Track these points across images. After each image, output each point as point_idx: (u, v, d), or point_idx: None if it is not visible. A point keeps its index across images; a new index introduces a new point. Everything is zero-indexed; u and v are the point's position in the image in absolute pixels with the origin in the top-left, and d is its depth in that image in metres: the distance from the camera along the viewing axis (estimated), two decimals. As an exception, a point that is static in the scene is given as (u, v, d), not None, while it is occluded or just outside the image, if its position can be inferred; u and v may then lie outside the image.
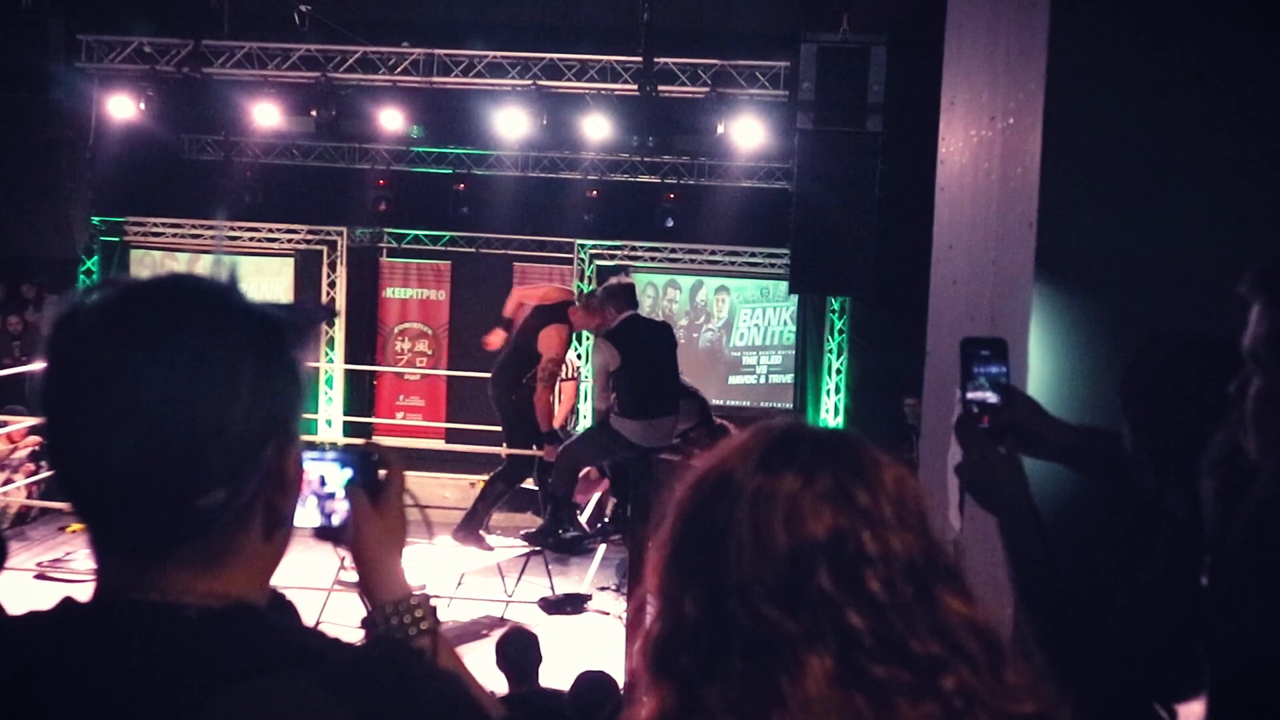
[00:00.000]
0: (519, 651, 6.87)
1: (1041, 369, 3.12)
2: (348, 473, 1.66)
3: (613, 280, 10.25)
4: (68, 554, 10.34)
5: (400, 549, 1.66)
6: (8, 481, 11.44)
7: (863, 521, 1.30)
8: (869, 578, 1.28)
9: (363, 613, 1.65)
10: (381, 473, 1.67)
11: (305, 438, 1.38)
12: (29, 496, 11.69)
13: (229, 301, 1.29)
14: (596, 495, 11.35)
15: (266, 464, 1.29)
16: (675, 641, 1.32)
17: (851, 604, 1.27)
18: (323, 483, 1.65)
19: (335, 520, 1.66)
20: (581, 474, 10.27)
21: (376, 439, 14.43)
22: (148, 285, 1.30)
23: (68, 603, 1.30)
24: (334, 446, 1.71)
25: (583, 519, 10.83)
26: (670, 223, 13.77)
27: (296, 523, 1.58)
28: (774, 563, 1.28)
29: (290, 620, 1.38)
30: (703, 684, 1.28)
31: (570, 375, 10.54)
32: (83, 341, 1.25)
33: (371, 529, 1.64)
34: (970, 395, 2.43)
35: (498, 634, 9.14)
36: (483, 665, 8.21)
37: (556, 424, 10.35)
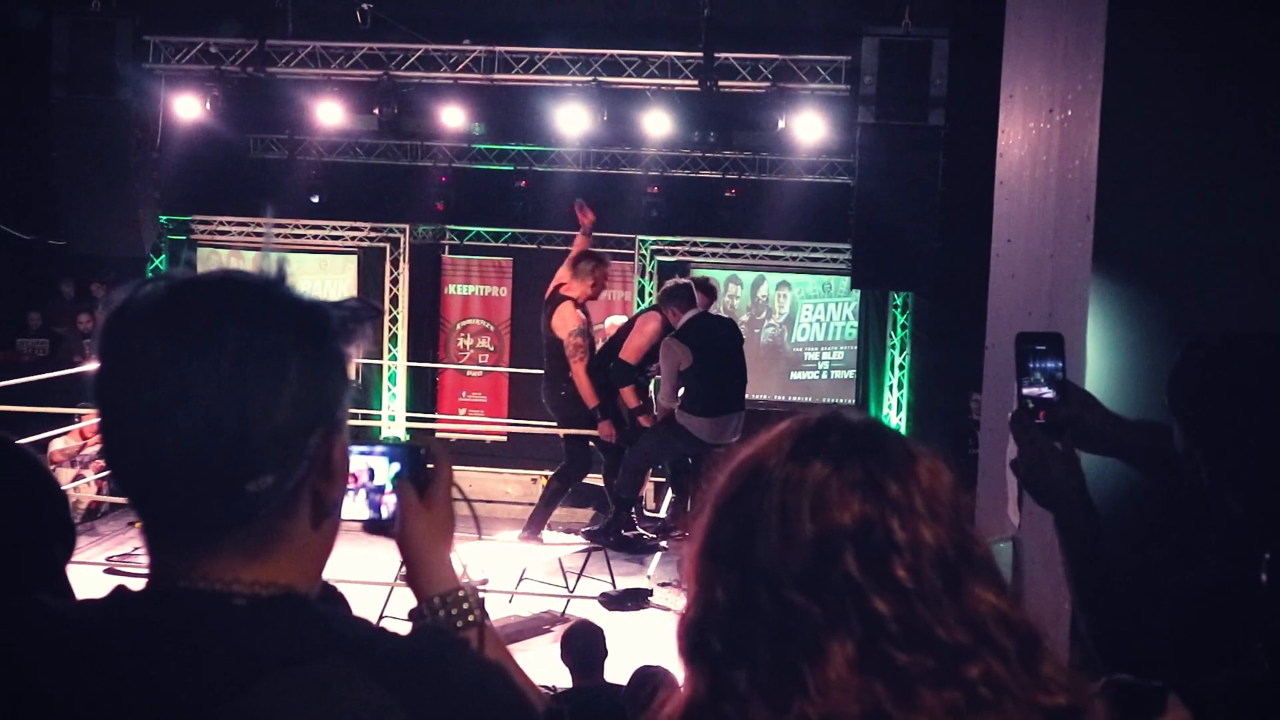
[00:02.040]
0: (584, 645, 6.88)
1: (1099, 363, 3.09)
2: (396, 466, 1.68)
3: (669, 282, 10.27)
4: (136, 549, 10.49)
5: (448, 542, 1.68)
6: (78, 477, 11.63)
7: (891, 510, 1.30)
8: (896, 565, 1.28)
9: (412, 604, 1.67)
10: (429, 466, 1.69)
11: (352, 424, 1.40)
12: (99, 492, 11.87)
13: (276, 294, 1.33)
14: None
15: (313, 451, 1.32)
16: (707, 627, 1.33)
17: (876, 590, 1.27)
18: (372, 476, 1.67)
19: (384, 513, 1.68)
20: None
21: (438, 435, 14.53)
22: (197, 279, 1.33)
23: (119, 591, 1.33)
24: (382, 440, 1.73)
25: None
26: (726, 217, 13.76)
27: (346, 516, 1.60)
28: (800, 549, 1.29)
29: (338, 610, 1.40)
30: (732, 669, 1.30)
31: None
32: (134, 334, 1.28)
33: (419, 522, 1.66)
34: (1026, 391, 2.41)
35: (559, 629, 9.18)
36: (544, 659, 8.24)
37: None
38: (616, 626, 8.78)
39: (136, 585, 1.34)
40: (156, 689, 1.22)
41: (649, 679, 6.47)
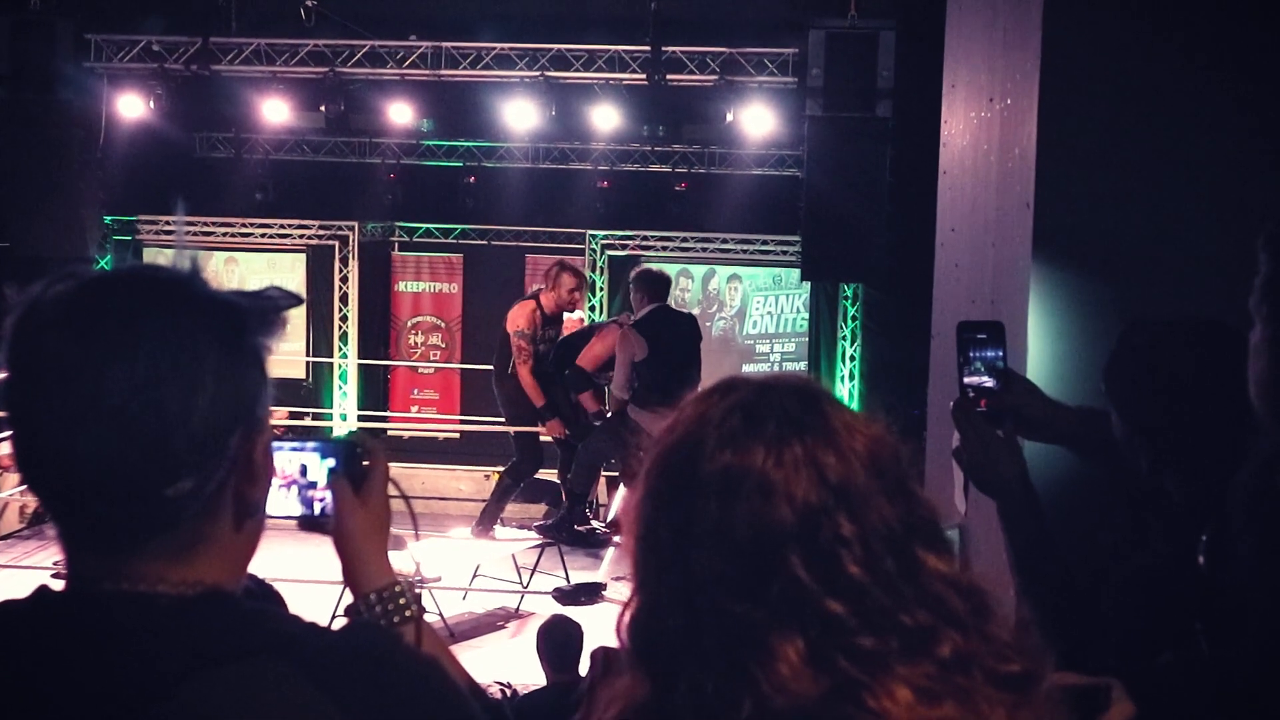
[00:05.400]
0: (560, 641, 6.85)
1: (1040, 350, 3.11)
2: (330, 462, 1.66)
3: (651, 269, 10.26)
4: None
5: (384, 538, 1.66)
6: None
7: (836, 498, 1.23)
8: (847, 562, 1.22)
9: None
10: (365, 462, 1.67)
11: (303, 424, 1.38)
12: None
13: (190, 290, 1.29)
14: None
15: (234, 452, 1.29)
16: (652, 625, 1.28)
17: (829, 591, 1.21)
18: (304, 472, 1.65)
19: (318, 509, 1.66)
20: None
21: (390, 433, 14.47)
22: (107, 277, 1.30)
23: (42, 592, 1.30)
24: (316, 436, 1.71)
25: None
26: (676, 211, 13.78)
27: (279, 512, 1.58)
28: (741, 557, 1.23)
29: (268, 607, 1.38)
30: (680, 669, 1.24)
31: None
32: (43, 336, 1.25)
33: (355, 518, 1.64)
34: (967, 379, 2.43)
35: (513, 625, 9.18)
36: (498, 655, 8.22)
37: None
38: (570, 621, 8.78)
39: (59, 585, 1.31)
40: (83, 690, 1.20)
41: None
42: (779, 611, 1.21)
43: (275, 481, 1.44)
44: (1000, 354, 2.43)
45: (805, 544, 1.22)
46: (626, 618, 1.32)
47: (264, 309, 1.33)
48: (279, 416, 13.69)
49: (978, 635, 1.24)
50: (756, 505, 1.24)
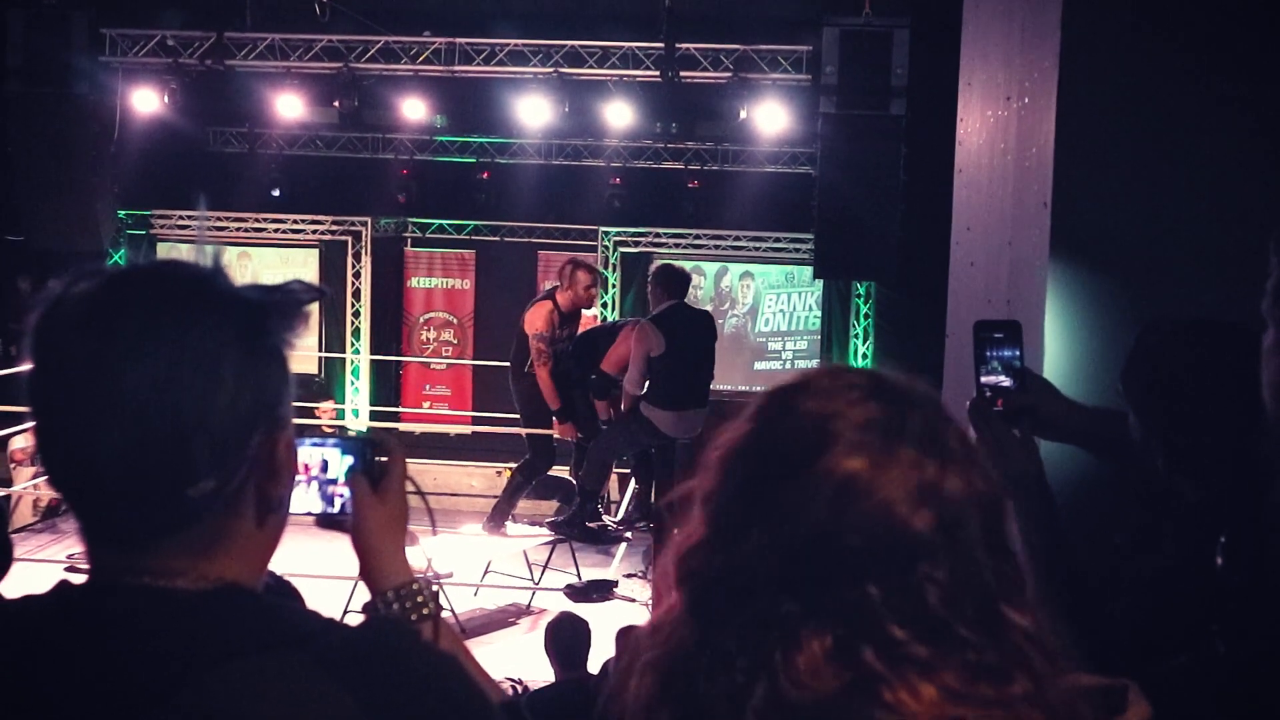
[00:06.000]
0: (569, 638, 6.86)
1: (1057, 350, 3.10)
2: (349, 460, 1.66)
3: (671, 266, 10.26)
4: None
5: (402, 535, 1.66)
6: (38, 474, 11.52)
7: (944, 536, 1.18)
8: (930, 595, 1.17)
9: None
10: (383, 459, 1.67)
11: (314, 421, 1.38)
12: (60, 489, 11.74)
13: (210, 287, 1.29)
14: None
15: (255, 451, 1.29)
16: (716, 569, 1.23)
17: (897, 619, 1.17)
18: (324, 469, 1.66)
19: (337, 506, 1.66)
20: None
21: (401, 429, 14.48)
22: (128, 274, 1.30)
23: (62, 586, 1.30)
24: (335, 433, 1.71)
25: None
26: (689, 208, 13.78)
27: (298, 509, 1.58)
28: (827, 562, 1.19)
29: (287, 602, 1.38)
30: (722, 622, 1.21)
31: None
32: (65, 334, 1.24)
33: (373, 516, 1.64)
34: (984, 379, 2.42)
35: (524, 621, 9.19)
36: (509, 652, 8.23)
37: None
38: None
39: (79, 579, 1.32)
40: (101, 683, 1.20)
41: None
42: (831, 617, 1.18)
43: (297, 477, 1.44)
44: (1017, 353, 2.42)
45: (888, 573, 1.18)
46: (686, 548, 1.27)
47: (285, 304, 1.32)
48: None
49: (1048, 683, 1.20)
50: (869, 522, 1.19)
